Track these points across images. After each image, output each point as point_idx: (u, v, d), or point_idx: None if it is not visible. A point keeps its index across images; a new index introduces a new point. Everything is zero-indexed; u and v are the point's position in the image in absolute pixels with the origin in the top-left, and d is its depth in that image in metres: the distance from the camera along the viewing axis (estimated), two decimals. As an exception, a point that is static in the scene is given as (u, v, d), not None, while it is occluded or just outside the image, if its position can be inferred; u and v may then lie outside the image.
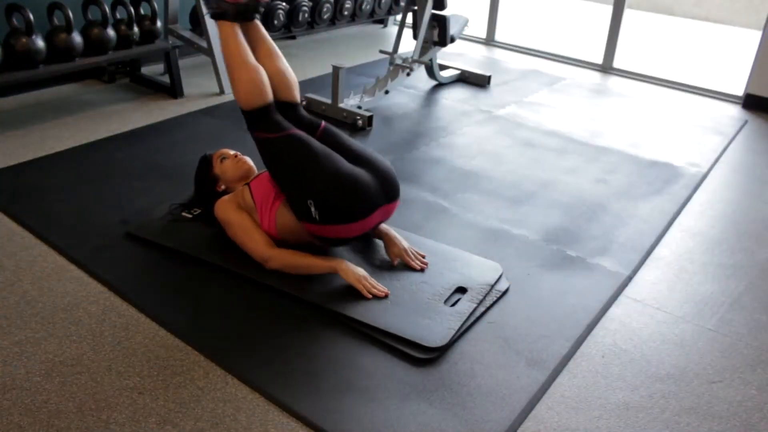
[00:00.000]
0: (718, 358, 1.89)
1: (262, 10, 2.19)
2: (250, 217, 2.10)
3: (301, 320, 1.89)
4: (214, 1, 2.08)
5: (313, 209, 1.90)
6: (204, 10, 2.21)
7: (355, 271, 1.98)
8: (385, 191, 2.01)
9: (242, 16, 2.11)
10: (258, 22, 2.18)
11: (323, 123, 2.14)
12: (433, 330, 1.83)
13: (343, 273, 1.97)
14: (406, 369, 1.74)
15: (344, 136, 2.14)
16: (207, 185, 2.28)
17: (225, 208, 2.13)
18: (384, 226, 2.18)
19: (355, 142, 2.13)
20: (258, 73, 2.04)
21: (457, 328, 1.85)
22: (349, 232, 1.96)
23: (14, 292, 1.96)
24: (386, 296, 1.95)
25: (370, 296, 1.94)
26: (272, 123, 2.02)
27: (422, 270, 2.10)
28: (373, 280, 1.99)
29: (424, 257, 2.15)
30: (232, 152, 2.29)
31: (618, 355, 1.87)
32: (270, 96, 2.05)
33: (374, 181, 1.98)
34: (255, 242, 2.05)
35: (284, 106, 2.12)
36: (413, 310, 1.91)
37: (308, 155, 1.96)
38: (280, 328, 1.86)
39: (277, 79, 2.11)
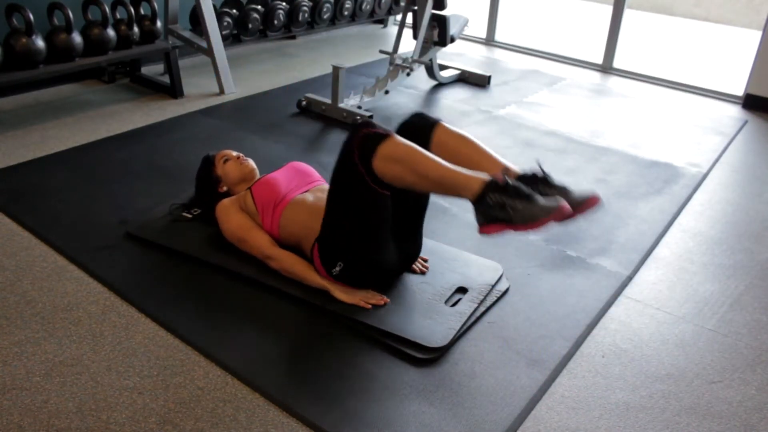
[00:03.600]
0: (718, 358, 1.89)
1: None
2: (252, 219, 2.10)
3: (302, 321, 1.89)
4: (510, 210, 1.53)
5: (337, 268, 1.88)
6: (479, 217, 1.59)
7: (347, 291, 1.93)
8: (401, 267, 2.03)
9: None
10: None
11: None
12: (434, 330, 1.83)
13: (335, 293, 1.92)
14: (406, 369, 1.74)
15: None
16: (209, 186, 2.27)
17: (227, 210, 2.13)
18: None
19: (419, 212, 1.96)
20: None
21: (457, 328, 1.85)
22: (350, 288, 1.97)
23: (14, 292, 1.96)
24: (385, 304, 1.93)
25: (370, 306, 1.91)
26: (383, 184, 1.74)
27: (423, 273, 2.09)
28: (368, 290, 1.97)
29: (426, 261, 2.15)
30: (235, 154, 2.28)
31: (618, 355, 1.87)
32: None
33: (398, 262, 1.98)
34: (258, 240, 2.05)
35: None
36: (414, 310, 1.91)
37: (376, 223, 1.80)
38: (281, 328, 1.86)
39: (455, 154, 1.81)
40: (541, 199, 1.54)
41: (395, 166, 1.64)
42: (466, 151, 1.81)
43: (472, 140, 1.84)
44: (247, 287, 2.01)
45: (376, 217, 1.80)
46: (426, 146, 1.79)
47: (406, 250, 2.00)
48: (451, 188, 1.62)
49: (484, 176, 1.60)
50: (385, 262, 1.92)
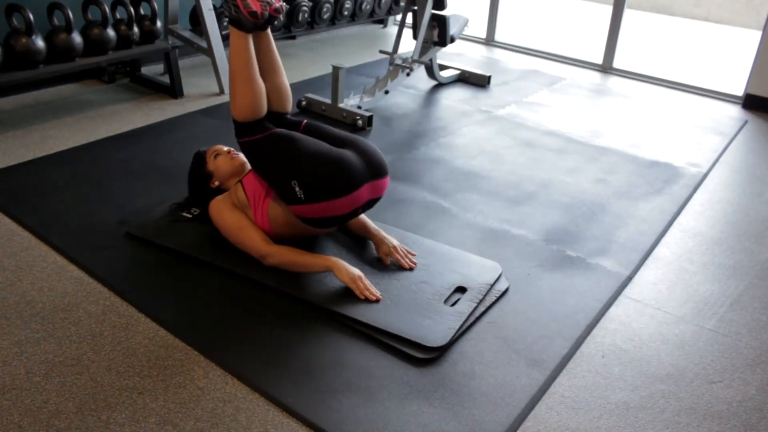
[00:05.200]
0: (718, 358, 1.89)
1: (278, 21, 2.20)
2: (245, 215, 2.11)
3: (301, 320, 1.90)
4: (233, 7, 2.02)
5: (297, 188, 1.93)
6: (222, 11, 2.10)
7: (350, 271, 1.97)
8: (370, 167, 2.03)
9: (258, 28, 2.09)
10: (269, 32, 2.16)
11: (305, 120, 2.21)
12: (434, 330, 1.83)
13: (338, 272, 1.97)
14: (406, 369, 1.74)
15: (327, 126, 2.19)
16: (201, 182, 2.27)
17: (219, 208, 2.13)
18: (373, 226, 2.20)
19: (338, 130, 2.17)
20: (260, 91, 2.05)
21: (457, 327, 1.85)
22: (336, 210, 1.97)
23: (14, 292, 1.96)
24: (378, 301, 1.94)
25: (363, 297, 1.93)
26: (257, 127, 2.06)
27: (411, 269, 2.10)
28: (367, 282, 1.98)
29: (414, 255, 2.16)
30: (225, 148, 2.29)
31: (618, 355, 1.87)
32: (264, 110, 2.07)
33: (358, 159, 2.02)
34: (252, 239, 2.05)
35: (275, 114, 2.16)
36: (413, 309, 1.91)
37: (290, 146, 2.00)
38: (280, 328, 1.86)
39: (276, 93, 2.15)
40: None
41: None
42: None
43: None
44: (247, 287, 2.02)
45: (284, 144, 2.00)
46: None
47: (357, 149, 2.05)
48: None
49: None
50: (336, 158, 1.97)
